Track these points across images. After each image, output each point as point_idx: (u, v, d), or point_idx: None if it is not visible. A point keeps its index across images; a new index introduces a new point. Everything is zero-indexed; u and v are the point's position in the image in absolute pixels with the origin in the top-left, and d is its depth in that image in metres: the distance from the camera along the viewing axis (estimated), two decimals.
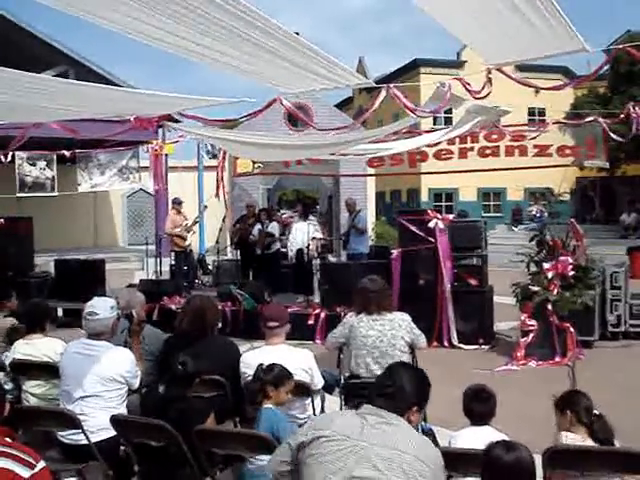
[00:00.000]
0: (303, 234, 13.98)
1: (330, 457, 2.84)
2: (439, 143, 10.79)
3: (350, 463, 2.79)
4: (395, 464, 2.75)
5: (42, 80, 5.90)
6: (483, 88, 5.36)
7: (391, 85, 5.66)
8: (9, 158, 12.35)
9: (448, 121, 25.72)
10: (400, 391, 3.01)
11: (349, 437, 2.86)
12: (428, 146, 10.93)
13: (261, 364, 4.40)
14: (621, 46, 5.80)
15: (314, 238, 13.99)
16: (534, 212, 32.99)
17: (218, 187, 13.29)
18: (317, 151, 9.36)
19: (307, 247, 13.87)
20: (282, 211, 19.06)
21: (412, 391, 3.04)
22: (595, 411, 3.90)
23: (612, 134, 10.15)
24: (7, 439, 3.25)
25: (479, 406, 4.18)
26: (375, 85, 5.84)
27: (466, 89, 5.55)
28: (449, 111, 13.93)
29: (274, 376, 4.28)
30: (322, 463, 2.85)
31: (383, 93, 5.69)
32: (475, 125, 8.23)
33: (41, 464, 3.18)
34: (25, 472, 3.10)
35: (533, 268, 9.78)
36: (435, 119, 31.40)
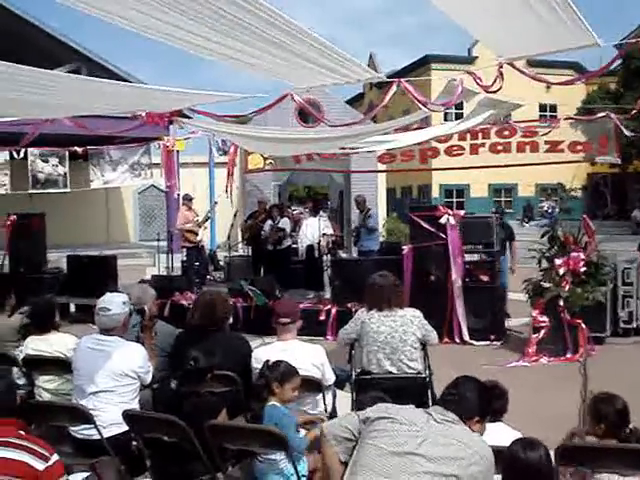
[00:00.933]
0: (313, 230, 13.97)
1: (394, 434, 3.02)
2: (450, 139, 10.78)
3: (412, 443, 2.96)
4: (454, 453, 2.92)
5: (54, 77, 5.93)
6: (494, 82, 5.35)
7: (402, 80, 5.66)
8: (22, 154, 12.43)
9: (459, 117, 25.62)
10: (462, 400, 3.16)
11: (415, 424, 3.04)
12: (439, 142, 10.92)
13: (267, 360, 4.39)
14: (634, 40, 5.79)
15: (324, 234, 13.96)
16: (546, 208, 32.96)
17: (227, 183, 13.32)
18: (328, 144, 9.34)
19: (318, 243, 13.87)
20: (293, 207, 19.03)
21: (474, 402, 3.19)
22: (630, 426, 3.87)
23: (624, 129, 10.10)
24: (21, 432, 3.29)
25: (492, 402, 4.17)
26: (386, 79, 5.83)
27: (477, 83, 5.54)
28: (460, 107, 13.88)
29: (280, 373, 4.27)
30: (385, 437, 3.02)
31: (394, 88, 5.69)
32: (487, 119, 8.21)
33: (55, 457, 3.22)
34: (40, 465, 3.14)
35: (545, 264, 9.75)
36: (446, 115, 31.35)
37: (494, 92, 5.61)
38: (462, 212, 10.78)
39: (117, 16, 4.16)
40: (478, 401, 3.19)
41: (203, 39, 4.51)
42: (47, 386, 5.38)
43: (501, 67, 5.15)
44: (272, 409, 4.15)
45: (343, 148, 11.57)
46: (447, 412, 3.09)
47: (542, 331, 9.13)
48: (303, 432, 4.35)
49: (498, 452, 3.04)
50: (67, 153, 13.09)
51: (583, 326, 8.99)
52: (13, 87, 5.46)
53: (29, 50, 19.36)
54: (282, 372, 4.26)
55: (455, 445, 2.93)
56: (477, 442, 3.00)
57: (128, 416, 4.27)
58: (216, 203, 16.42)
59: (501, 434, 3.69)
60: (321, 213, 14.55)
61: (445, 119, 28.68)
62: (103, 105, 6.87)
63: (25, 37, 19.45)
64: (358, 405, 5.08)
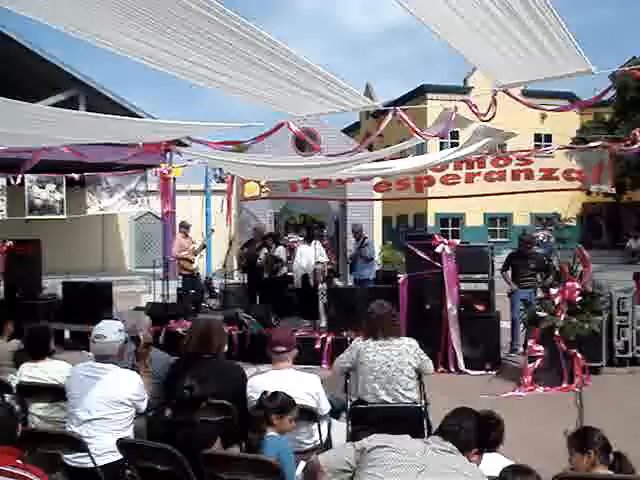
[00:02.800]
0: (308, 258, 13.93)
1: (392, 463, 3.01)
2: (446, 168, 10.83)
3: (411, 473, 2.95)
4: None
5: (50, 111, 5.97)
6: (489, 109, 5.41)
7: (398, 108, 5.72)
8: (19, 180, 12.44)
9: (455, 146, 25.79)
10: (461, 432, 3.20)
11: (413, 454, 3.03)
12: (435, 171, 10.97)
13: (265, 392, 4.38)
14: (627, 68, 5.86)
15: (319, 262, 13.93)
16: (541, 237, 32.95)
17: (228, 212, 13.35)
18: (324, 169, 9.39)
19: (313, 271, 13.83)
20: (289, 235, 18.98)
21: (472, 433, 3.23)
22: (615, 449, 3.87)
23: (619, 153, 10.16)
24: (18, 461, 3.27)
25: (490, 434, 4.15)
26: (382, 107, 5.88)
27: (472, 111, 5.60)
28: (456, 136, 13.95)
29: (279, 404, 4.27)
30: (383, 467, 3.01)
31: (390, 115, 5.74)
32: (482, 147, 8.26)
33: None
34: None
35: (539, 294, 9.77)
36: (442, 144, 31.54)
37: (488, 120, 5.66)
38: (457, 241, 10.81)
39: (111, 43, 4.21)
40: (476, 433, 3.20)
41: (201, 67, 4.55)
42: (40, 413, 5.35)
43: (495, 94, 5.20)
44: (275, 440, 4.14)
45: (339, 180, 11.64)
46: (445, 442, 3.09)
47: (538, 360, 9.12)
48: (303, 464, 4.33)
49: None
50: (64, 179, 13.11)
51: (579, 356, 8.99)
52: (9, 122, 5.51)
53: (27, 77, 19.51)
54: (281, 404, 4.26)
55: (454, 476, 2.91)
56: (476, 473, 2.98)
57: (122, 444, 4.24)
58: (213, 231, 16.43)
59: (496, 464, 3.67)
60: (315, 241, 14.49)
61: (441, 148, 28.80)
62: (99, 137, 6.92)
63: (23, 64, 19.58)
64: (353, 435, 5.07)
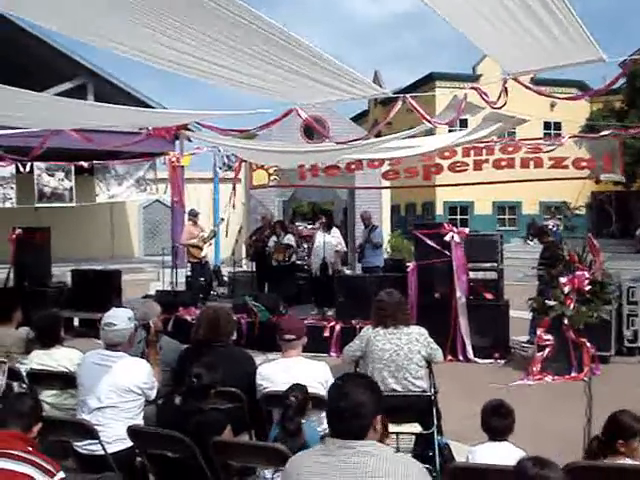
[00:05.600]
0: (328, 246, 13.84)
1: None
2: (454, 155, 10.79)
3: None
4: None
5: (57, 100, 5.98)
6: (499, 97, 5.38)
7: (407, 95, 5.69)
8: (28, 168, 12.47)
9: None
10: (360, 408, 2.83)
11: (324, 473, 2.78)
12: (443, 158, 10.93)
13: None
14: (638, 57, 5.82)
15: (337, 251, 13.88)
16: (550, 226, 32.89)
17: (233, 196, 13.34)
18: (333, 154, 9.36)
19: (331, 259, 13.76)
20: (298, 224, 18.96)
21: (369, 402, 2.86)
22: None
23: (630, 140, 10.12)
24: (29, 448, 3.29)
25: (498, 422, 4.14)
26: (392, 95, 5.86)
27: (482, 98, 5.57)
28: (464, 124, 13.89)
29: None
30: None
31: (399, 103, 5.72)
32: (493, 132, 8.22)
33: (60, 474, 3.22)
34: (44, 479, 3.13)
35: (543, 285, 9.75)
36: (450, 131, 31.42)
37: (499, 108, 5.63)
38: (467, 230, 10.77)
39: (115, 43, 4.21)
40: (371, 399, 2.87)
41: (209, 63, 4.53)
42: (51, 400, 5.37)
43: (506, 82, 5.18)
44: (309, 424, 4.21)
45: (349, 168, 11.59)
46: (349, 442, 2.80)
47: (547, 349, 9.11)
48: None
49: (506, 472, 2.98)
50: (73, 167, 13.14)
51: (588, 345, 8.98)
52: (15, 107, 5.52)
53: (36, 65, 19.51)
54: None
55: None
56: (390, 469, 2.74)
57: (132, 432, 4.26)
58: (222, 220, 16.44)
59: (507, 453, 3.68)
60: (334, 229, 14.44)
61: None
62: (108, 122, 6.92)
63: (32, 52, 19.57)
64: None
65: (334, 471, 2.76)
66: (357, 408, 2.82)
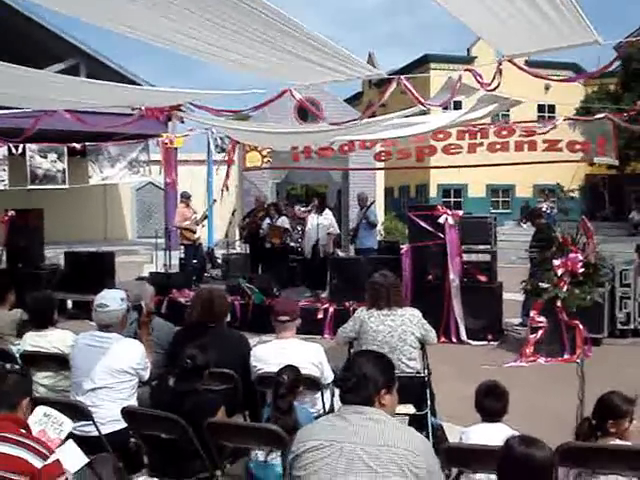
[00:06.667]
0: (321, 228, 13.85)
1: (320, 464, 2.84)
2: (449, 137, 10.75)
3: (341, 468, 2.79)
4: (387, 460, 2.75)
5: (49, 76, 5.94)
6: (493, 79, 5.36)
7: (402, 76, 5.67)
8: (20, 150, 12.39)
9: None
10: (363, 379, 2.96)
11: (335, 441, 2.85)
12: (437, 140, 10.88)
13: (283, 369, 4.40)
14: (633, 39, 5.81)
15: (329, 233, 13.90)
16: (544, 208, 32.92)
17: (226, 181, 13.28)
18: (327, 134, 9.32)
19: (323, 242, 13.76)
20: (297, 207, 18.90)
21: (375, 375, 2.99)
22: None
23: (624, 124, 10.09)
24: (22, 430, 3.28)
25: (492, 403, 4.15)
26: (386, 76, 5.83)
27: (477, 80, 5.56)
28: (459, 106, 13.87)
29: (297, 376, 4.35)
30: (313, 474, 2.85)
31: (394, 84, 5.69)
32: (487, 114, 8.20)
33: (54, 456, 3.21)
34: (38, 462, 3.12)
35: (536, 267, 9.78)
36: (445, 109, 31.34)
37: (493, 90, 5.61)
38: (461, 212, 10.77)
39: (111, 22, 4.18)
40: (378, 373, 3.00)
41: (203, 43, 4.50)
42: (44, 382, 5.36)
43: (500, 64, 5.15)
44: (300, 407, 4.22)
45: (342, 149, 11.54)
46: (360, 408, 2.91)
47: (539, 331, 9.13)
48: None
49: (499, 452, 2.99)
50: (66, 149, 13.05)
51: (580, 327, 9.01)
52: (7, 83, 5.47)
53: (28, 46, 19.33)
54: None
55: (384, 450, 2.77)
56: (403, 436, 2.84)
57: (126, 413, 4.26)
58: (215, 201, 16.42)
59: (501, 434, 3.68)
60: (327, 211, 14.45)
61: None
62: (100, 101, 6.87)
63: (24, 33, 19.40)
64: None
65: (343, 430, 2.87)
66: (361, 379, 2.96)
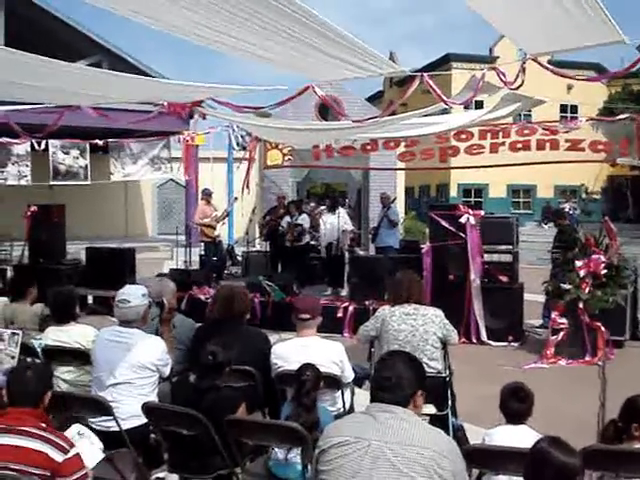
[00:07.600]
0: (333, 227, 13.91)
1: (345, 460, 2.84)
2: (471, 137, 10.69)
3: (366, 465, 2.79)
4: (412, 460, 2.75)
5: (75, 68, 5.97)
6: (517, 78, 5.33)
7: (425, 74, 5.65)
8: (43, 146, 12.47)
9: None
10: (403, 380, 2.99)
11: (362, 438, 2.85)
12: (459, 141, 10.84)
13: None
14: None
15: (344, 230, 13.91)
16: (567, 209, 32.69)
17: (247, 179, 13.31)
18: (349, 132, 9.31)
19: (337, 240, 13.81)
20: (312, 204, 18.94)
21: (412, 377, 3.03)
22: None
23: None
24: (42, 424, 3.30)
25: (517, 405, 4.11)
26: (410, 73, 5.81)
27: (500, 79, 5.53)
28: (480, 105, 13.77)
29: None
30: (338, 468, 2.85)
31: (416, 82, 5.67)
32: (510, 113, 8.16)
33: (74, 450, 3.23)
34: (58, 456, 3.14)
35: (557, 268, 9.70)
36: (466, 108, 31.22)
37: (516, 88, 5.59)
38: (482, 212, 10.71)
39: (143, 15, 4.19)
40: (415, 376, 3.04)
41: (226, 36, 4.50)
42: (66, 377, 5.38)
43: (524, 63, 5.12)
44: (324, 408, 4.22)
45: (364, 148, 11.52)
46: (390, 407, 2.91)
47: (561, 333, 9.07)
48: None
49: (523, 454, 2.96)
50: (88, 145, 13.12)
51: (602, 329, 8.93)
52: (29, 74, 5.51)
53: (51, 42, 19.45)
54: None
55: (410, 450, 2.76)
56: (430, 438, 2.84)
57: (147, 408, 4.27)
58: (236, 199, 16.45)
59: (524, 437, 3.66)
60: (340, 209, 14.46)
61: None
62: (124, 96, 6.90)
63: (47, 29, 19.56)
64: None
65: (371, 428, 2.87)
66: (400, 379, 2.98)
